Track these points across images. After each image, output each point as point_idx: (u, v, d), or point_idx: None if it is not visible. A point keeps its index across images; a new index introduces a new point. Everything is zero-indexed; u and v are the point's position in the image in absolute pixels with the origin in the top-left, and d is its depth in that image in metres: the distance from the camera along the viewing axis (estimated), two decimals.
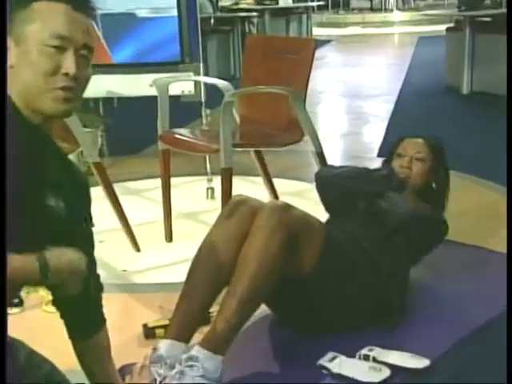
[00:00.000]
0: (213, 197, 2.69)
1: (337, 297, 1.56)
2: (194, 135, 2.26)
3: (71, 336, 1.19)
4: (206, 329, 1.41)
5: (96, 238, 1.16)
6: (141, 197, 2.80)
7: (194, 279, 1.46)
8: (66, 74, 0.99)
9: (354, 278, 1.59)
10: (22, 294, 1.70)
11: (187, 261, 1.51)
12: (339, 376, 1.42)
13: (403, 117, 4.21)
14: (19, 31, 1.00)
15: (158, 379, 1.33)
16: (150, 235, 2.32)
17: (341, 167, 1.87)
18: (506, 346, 1.27)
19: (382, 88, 5.55)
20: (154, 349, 1.37)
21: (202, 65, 2.66)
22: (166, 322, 1.53)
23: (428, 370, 1.42)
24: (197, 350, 1.34)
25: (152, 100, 2.30)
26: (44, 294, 1.68)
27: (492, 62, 4.52)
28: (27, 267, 0.92)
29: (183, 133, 2.25)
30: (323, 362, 1.45)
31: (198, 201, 2.71)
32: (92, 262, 1.16)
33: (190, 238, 1.89)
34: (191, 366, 1.32)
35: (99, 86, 2.53)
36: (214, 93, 2.40)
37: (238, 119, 2.31)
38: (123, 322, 1.69)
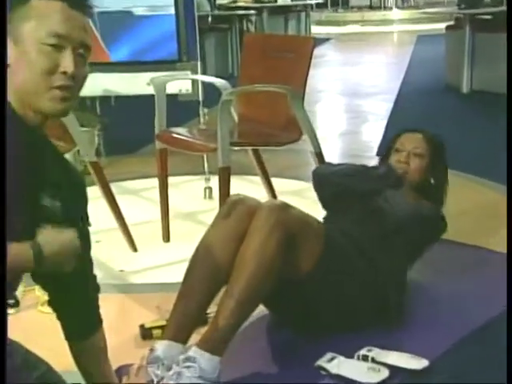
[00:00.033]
0: (210, 196, 2.68)
1: (335, 297, 1.55)
2: (191, 134, 2.26)
3: (67, 337, 1.19)
4: (203, 329, 1.41)
5: (93, 237, 1.16)
6: (138, 196, 2.79)
7: (192, 279, 1.46)
8: (64, 73, 0.99)
9: (352, 278, 1.58)
10: (18, 294, 1.69)
11: (185, 261, 1.51)
12: (338, 377, 1.41)
13: (402, 116, 4.20)
14: (17, 29, 0.99)
15: (155, 380, 1.33)
16: (147, 235, 2.31)
17: (338, 165, 1.85)
18: (506, 346, 1.27)
19: (381, 86, 5.55)
20: (151, 349, 1.37)
21: (199, 63, 2.65)
22: (163, 323, 1.52)
23: (427, 370, 1.42)
24: (194, 351, 1.34)
25: (149, 99, 2.29)
26: (40, 294, 1.68)
27: (492, 60, 4.51)
28: (21, 255, 0.92)
29: (181, 132, 2.24)
30: (322, 362, 1.45)
31: (195, 200, 2.70)
32: (89, 263, 1.17)
33: (188, 238, 1.89)
34: (188, 367, 1.32)
35: (96, 84, 2.53)
36: (211, 91, 2.39)
37: (235, 118, 2.30)
38: (120, 323, 1.69)
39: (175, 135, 2.19)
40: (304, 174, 2.72)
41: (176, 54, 2.60)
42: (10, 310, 1.64)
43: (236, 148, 2.06)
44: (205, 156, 2.66)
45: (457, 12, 5.30)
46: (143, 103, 2.52)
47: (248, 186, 2.61)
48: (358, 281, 1.58)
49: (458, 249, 2.06)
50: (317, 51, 2.23)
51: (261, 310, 1.57)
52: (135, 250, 2.21)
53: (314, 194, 1.82)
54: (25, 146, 0.98)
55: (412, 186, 1.78)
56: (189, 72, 2.57)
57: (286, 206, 1.49)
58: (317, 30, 9.63)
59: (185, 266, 1.48)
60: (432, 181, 1.83)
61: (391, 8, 12.44)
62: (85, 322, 1.18)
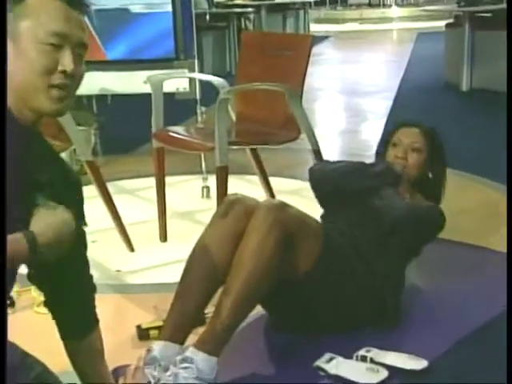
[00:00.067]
0: (208, 196, 2.67)
1: (333, 297, 1.55)
2: (188, 133, 2.25)
3: (63, 336, 1.19)
4: (200, 330, 1.40)
5: (89, 237, 1.16)
6: (135, 196, 2.78)
7: (189, 279, 1.45)
8: (64, 72, 0.99)
9: (349, 277, 1.57)
10: (14, 295, 1.68)
11: (182, 261, 1.50)
12: (336, 377, 1.41)
13: (402, 114, 4.18)
14: (14, 27, 0.99)
15: (152, 381, 1.32)
16: (144, 235, 2.30)
17: (336, 162, 1.84)
18: (506, 346, 1.26)
19: (381, 85, 5.54)
20: (148, 350, 1.36)
21: (196, 61, 2.64)
22: (160, 323, 1.52)
23: (426, 371, 1.41)
24: (191, 352, 1.33)
25: (146, 97, 2.28)
26: (36, 295, 1.68)
27: (492, 58, 4.50)
28: (15, 245, 0.92)
29: (178, 131, 2.23)
30: (320, 363, 1.44)
31: (193, 200, 2.69)
32: (85, 263, 1.17)
33: (185, 238, 1.88)
34: (186, 368, 1.31)
35: (93, 83, 2.51)
36: (209, 90, 2.38)
37: (233, 117, 2.29)
38: (117, 323, 1.68)
39: (172, 134, 2.18)
40: (302, 173, 2.70)
41: (173, 52, 2.59)
42: None
43: (234, 147, 2.05)
44: (202, 155, 2.66)
45: (456, 10, 5.30)
46: (140, 102, 2.51)
47: (246, 186, 2.60)
48: (355, 280, 1.57)
49: (457, 248, 2.05)
50: (315, 49, 2.22)
51: (258, 310, 1.56)
52: (132, 249, 2.20)
53: (312, 194, 1.81)
54: (19, 145, 0.98)
55: (410, 182, 1.77)
56: (186, 70, 2.57)
57: (284, 206, 1.48)
58: (315, 28, 9.62)
59: (182, 265, 1.48)
60: (430, 175, 1.81)
61: (390, 6, 12.44)
62: (80, 322, 1.17)
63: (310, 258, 1.48)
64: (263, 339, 1.60)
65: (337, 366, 1.42)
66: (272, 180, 2.47)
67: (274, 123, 2.15)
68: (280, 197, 2.20)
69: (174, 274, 1.52)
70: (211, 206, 2.09)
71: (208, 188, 2.67)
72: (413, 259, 1.72)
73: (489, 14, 4.92)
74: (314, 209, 1.73)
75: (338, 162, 1.85)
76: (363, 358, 1.45)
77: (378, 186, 1.69)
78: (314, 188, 1.77)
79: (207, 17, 6.08)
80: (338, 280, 1.54)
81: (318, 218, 1.69)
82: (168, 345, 1.36)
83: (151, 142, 2.26)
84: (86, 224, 1.13)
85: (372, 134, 3.78)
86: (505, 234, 1.82)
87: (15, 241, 0.93)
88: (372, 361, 1.44)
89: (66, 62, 0.99)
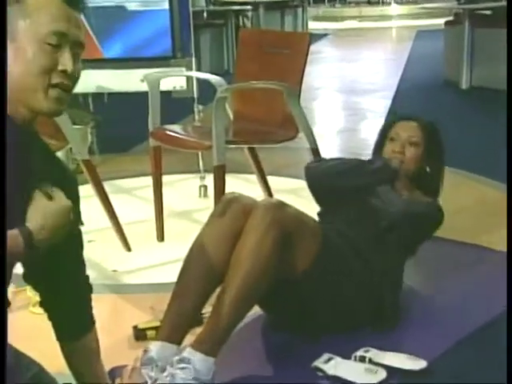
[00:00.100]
0: (205, 195, 2.66)
1: (331, 297, 1.54)
2: (185, 132, 2.24)
3: (58, 337, 1.18)
4: (198, 330, 1.39)
5: (85, 237, 1.15)
6: (132, 195, 2.77)
7: (186, 279, 1.44)
8: (64, 71, 0.99)
9: (348, 276, 1.56)
10: (9, 295, 1.67)
11: (179, 260, 1.49)
12: (335, 378, 1.40)
13: (401, 113, 4.17)
14: (13, 26, 0.98)
15: (149, 382, 1.32)
16: (141, 234, 2.29)
17: (332, 160, 1.82)
18: (505, 346, 1.25)
19: (380, 83, 5.54)
20: (145, 351, 1.36)
21: (194, 59, 2.63)
22: (157, 324, 1.51)
23: (425, 371, 1.40)
24: (189, 352, 1.32)
25: (143, 96, 2.27)
26: (31, 295, 1.67)
27: (491, 56, 4.49)
28: (11, 242, 0.92)
29: (175, 129, 2.22)
30: (318, 363, 1.44)
31: (190, 199, 2.68)
32: (81, 263, 1.17)
33: (182, 238, 1.87)
34: (183, 369, 1.31)
35: (89, 81, 2.51)
36: (206, 88, 2.37)
37: (231, 115, 2.28)
38: (113, 324, 1.68)
39: (169, 133, 2.17)
40: (300, 172, 2.67)
41: (170, 50, 2.58)
42: None
43: (231, 146, 2.04)
44: (200, 154, 2.65)
45: (456, 7, 5.31)
46: (137, 100, 2.51)
47: (244, 185, 2.59)
48: (353, 280, 1.56)
49: (456, 247, 2.05)
50: (314, 47, 2.21)
51: (256, 310, 1.56)
52: (129, 249, 2.20)
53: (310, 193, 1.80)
54: (15, 144, 0.97)
55: (407, 176, 1.75)
56: (183, 68, 2.56)
57: (282, 205, 1.47)
58: (314, 26, 9.61)
59: (179, 265, 1.47)
60: (428, 169, 1.80)
61: (390, 3, 12.43)
62: (76, 322, 1.17)
63: (308, 257, 1.47)
64: (261, 339, 1.59)
65: (335, 366, 1.42)
66: (270, 179, 2.46)
67: (271, 122, 2.15)
68: (278, 196, 2.20)
69: (171, 274, 1.51)
70: (209, 205, 2.08)
71: (205, 187, 2.66)
72: (411, 256, 1.71)
73: (488, 12, 4.92)
74: (312, 208, 1.72)
75: (335, 159, 1.83)
76: (362, 359, 1.44)
77: (375, 183, 1.68)
78: (311, 186, 1.76)
79: (205, 14, 6.06)
80: (337, 279, 1.54)
81: (316, 217, 1.68)
82: (165, 345, 1.36)
83: (148, 140, 2.25)
84: (82, 223, 1.12)
85: (371, 132, 3.77)
86: (504, 233, 1.80)
87: (11, 237, 0.93)
88: (371, 361, 1.43)
89: (66, 61, 0.99)
